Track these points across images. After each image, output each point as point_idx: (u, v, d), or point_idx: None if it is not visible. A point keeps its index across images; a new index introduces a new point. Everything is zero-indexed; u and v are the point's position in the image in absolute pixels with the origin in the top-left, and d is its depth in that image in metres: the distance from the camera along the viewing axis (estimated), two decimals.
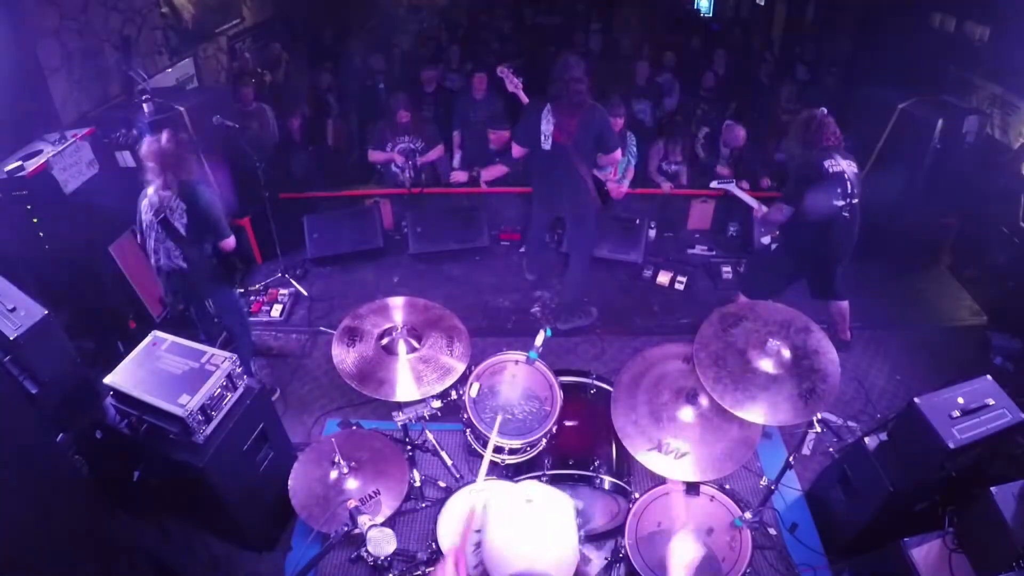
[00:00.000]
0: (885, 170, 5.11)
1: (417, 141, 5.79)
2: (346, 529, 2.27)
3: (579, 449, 3.13)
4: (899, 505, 3.00)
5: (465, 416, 3.12)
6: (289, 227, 5.47)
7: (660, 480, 2.86)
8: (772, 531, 3.39)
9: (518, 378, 3.21)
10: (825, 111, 3.93)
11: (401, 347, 3.02)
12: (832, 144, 3.89)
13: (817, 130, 3.87)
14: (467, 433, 3.20)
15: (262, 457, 3.24)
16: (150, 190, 3.55)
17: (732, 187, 4.59)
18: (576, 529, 1.62)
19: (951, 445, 2.68)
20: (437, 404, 3.01)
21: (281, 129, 6.17)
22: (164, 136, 3.48)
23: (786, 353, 2.72)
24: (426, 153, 5.85)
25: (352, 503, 2.52)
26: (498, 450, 3.07)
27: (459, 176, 5.86)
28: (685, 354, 3.02)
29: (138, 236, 3.70)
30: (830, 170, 3.82)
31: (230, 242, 3.69)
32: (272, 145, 6.01)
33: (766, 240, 5.44)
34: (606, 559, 3.06)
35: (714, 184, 4.78)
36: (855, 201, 3.91)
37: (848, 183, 3.86)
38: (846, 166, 3.87)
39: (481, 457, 3.17)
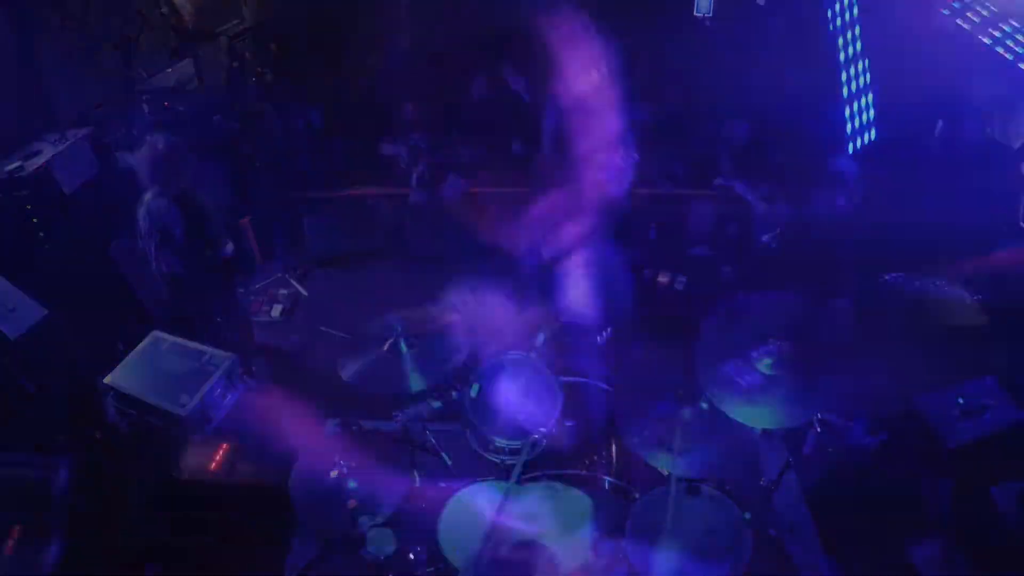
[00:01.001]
0: (885, 170, 5.10)
1: (424, 139, 5.80)
2: (346, 529, 2.27)
3: (579, 449, 3.13)
4: (899, 505, 3.00)
5: (465, 416, 3.12)
6: (289, 227, 5.47)
7: (660, 480, 2.86)
8: (772, 531, 3.39)
9: (518, 378, 3.20)
10: None
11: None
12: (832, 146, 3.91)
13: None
14: (467, 433, 3.20)
15: (262, 457, 3.23)
16: (147, 198, 3.51)
17: (735, 184, 4.59)
18: None
19: (951, 445, 2.68)
20: (437, 404, 3.01)
21: (284, 129, 6.15)
22: (159, 142, 3.45)
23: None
24: (433, 152, 5.86)
25: (352, 503, 2.52)
26: (498, 450, 3.07)
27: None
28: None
29: (139, 243, 3.69)
30: (837, 171, 3.83)
31: (229, 248, 3.68)
32: (272, 145, 5.99)
33: (765, 238, 5.44)
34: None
35: (718, 182, 4.78)
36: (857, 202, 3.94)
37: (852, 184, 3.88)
38: (850, 167, 3.89)
39: (480, 457, 3.19)
